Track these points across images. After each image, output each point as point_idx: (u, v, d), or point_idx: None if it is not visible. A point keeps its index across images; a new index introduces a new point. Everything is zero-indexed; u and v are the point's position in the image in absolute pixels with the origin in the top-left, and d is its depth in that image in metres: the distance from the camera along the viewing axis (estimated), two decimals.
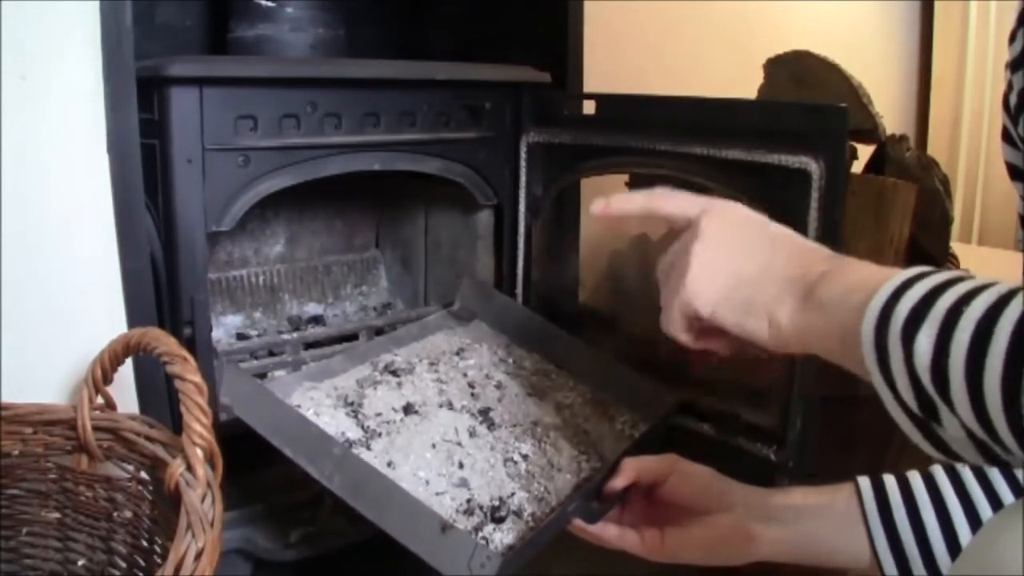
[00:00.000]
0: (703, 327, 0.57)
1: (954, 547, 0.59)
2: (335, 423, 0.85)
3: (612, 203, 0.66)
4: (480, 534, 0.72)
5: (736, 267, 0.54)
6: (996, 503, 0.59)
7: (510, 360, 1.03)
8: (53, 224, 0.76)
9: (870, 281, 0.44)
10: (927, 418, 0.40)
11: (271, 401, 0.80)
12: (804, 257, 0.53)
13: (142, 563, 0.71)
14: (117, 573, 0.72)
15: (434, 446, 0.83)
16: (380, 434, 0.84)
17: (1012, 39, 0.50)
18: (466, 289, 1.13)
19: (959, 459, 0.42)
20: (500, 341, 1.07)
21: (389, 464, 0.80)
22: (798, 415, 0.90)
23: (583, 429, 0.91)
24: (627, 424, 0.94)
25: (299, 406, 0.86)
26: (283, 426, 0.77)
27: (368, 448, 0.82)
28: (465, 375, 0.98)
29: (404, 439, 0.83)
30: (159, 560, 0.69)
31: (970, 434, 0.38)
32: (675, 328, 0.57)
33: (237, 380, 0.83)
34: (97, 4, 0.74)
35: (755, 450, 0.95)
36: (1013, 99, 0.49)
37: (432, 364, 0.99)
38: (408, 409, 0.88)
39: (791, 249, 0.54)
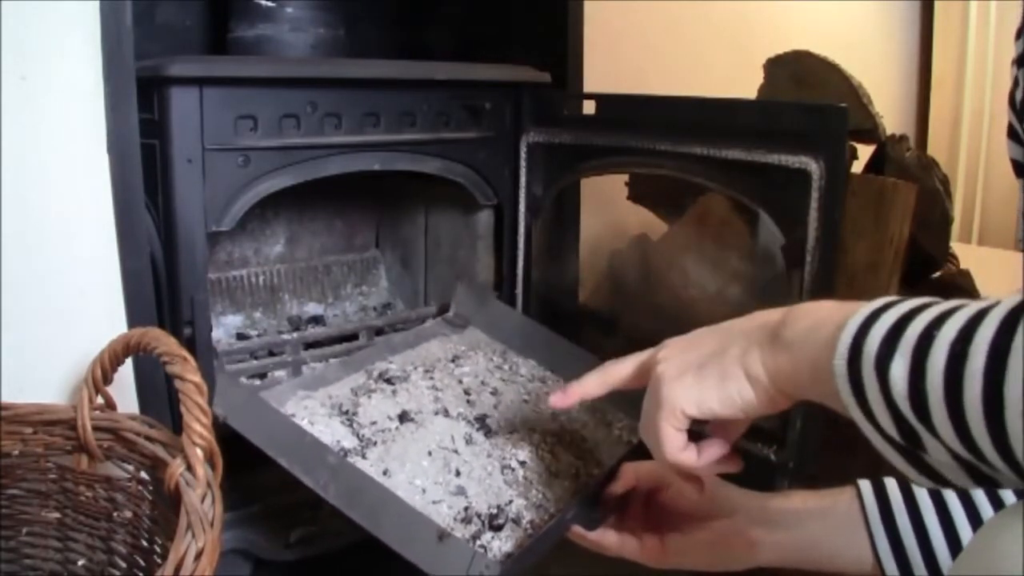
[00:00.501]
0: (700, 444, 0.57)
1: (956, 549, 0.59)
2: (330, 432, 0.84)
3: (568, 393, 0.66)
4: (478, 542, 0.72)
5: (697, 357, 0.54)
6: (998, 504, 0.59)
7: (506, 367, 1.03)
8: (53, 224, 0.76)
9: (835, 315, 0.44)
10: (911, 446, 0.40)
11: (265, 411, 0.79)
12: (758, 315, 0.53)
13: (142, 563, 0.71)
14: (117, 573, 0.72)
15: (430, 454, 0.82)
16: (375, 442, 0.83)
17: (1018, 35, 0.49)
18: (461, 295, 1.13)
19: (949, 485, 0.41)
20: (496, 348, 1.07)
21: (385, 473, 0.79)
22: (798, 416, 0.90)
23: (580, 435, 0.90)
24: (625, 430, 0.93)
25: (293, 415, 0.85)
26: (277, 436, 0.76)
27: (364, 457, 0.81)
28: (461, 382, 0.97)
29: (400, 447, 0.82)
30: (159, 560, 0.69)
31: (956, 457, 0.38)
32: (675, 451, 0.56)
33: (231, 390, 0.82)
34: (97, 4, 0.74)
35: (755, 450, 0.95)
36: (1019, 96, 0.49)
37: (427, 371, 0.98)
38: (403, 417, 0.88)
39: (743, 318, 0.54)
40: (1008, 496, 0.59)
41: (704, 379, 0.53)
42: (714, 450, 0.58)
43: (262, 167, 0.91)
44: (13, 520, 0.73)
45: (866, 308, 0.42)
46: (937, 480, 0.41)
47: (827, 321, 0.44)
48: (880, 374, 0.39)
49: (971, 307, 0.37)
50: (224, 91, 0.87)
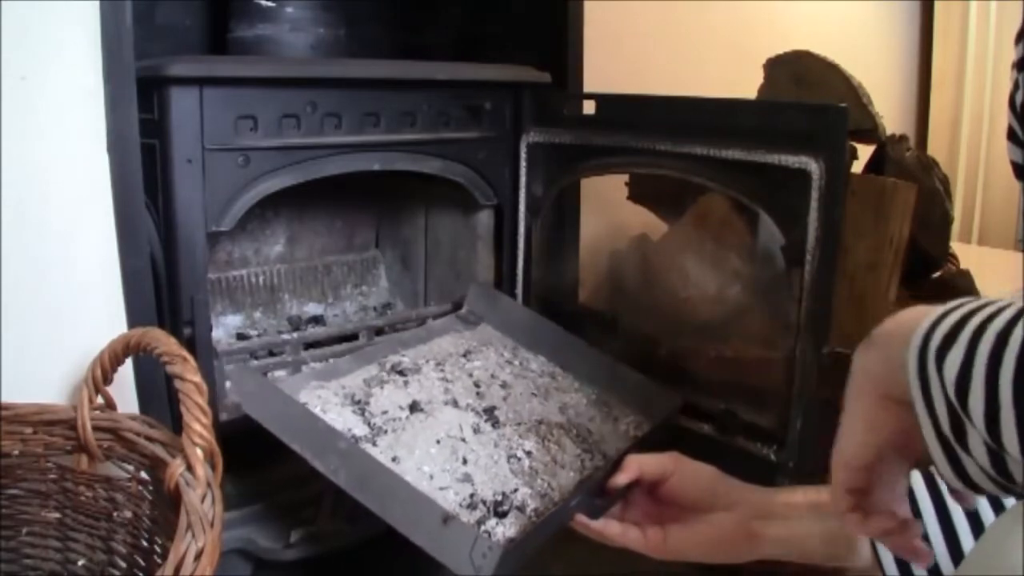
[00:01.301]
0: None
1: (954, 547, 0.59)
2: (342, 420, 0.85)
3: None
4: (483, 527, 0.73)
5: None
6: (996, 503, 0.59)
7: (516, 362, 1.04)
8: (53, 224, 0.76)
9: (917, 316, 0.46)
10: (958, 443, 0.41)
11: (279, 397, 0.80)
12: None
13: (142, 563, 0.71)
14: (117, 573, 0.72)
15: (439, 442, 0.83)
16: (386, 431, 0.85)
17: (1018, 39, 0.50)
18: (473, 293, 1.13)
19: (980, 491, 0.42)
20: (506, 344, 1.08)
21: (394, 459, 0.80)
22: (798, 415, 0.90)
23: (587, 429, 0.91)
24: (631, 425, 0.94)
25: (306, 404, 0.86)
26: (290, 422, 0.78)
27: (374, 444, 0.83)
28: (471, 375, 0.98)
29: (409, 435, 0.83)
30: (159, 560, 0.69)
31: (989, 451, 0.39)
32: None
33: (245, 377, 0.83)
34: (97, 4, 0.74)
35: (755, 450, 0.95)
36: (1020, 98, 0.49)
37: (438, 365, 0.99)
38: (414, 407, 0.89)
39: None
40: (1008, 499, 0.59)
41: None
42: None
43: (262, 167, 0.91)
44: (13, 520, 0.73)
45: (942, 308, 0.44)
46: (973, 488, 0.42)
47: (909, 321, 0.46)
48: (939, 364, 0.41)
49: None
50: (224, 91, 0.87)
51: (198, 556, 0.53)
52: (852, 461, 0.52)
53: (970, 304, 0.42)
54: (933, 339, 0.42)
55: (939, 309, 0.44)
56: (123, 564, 0.72)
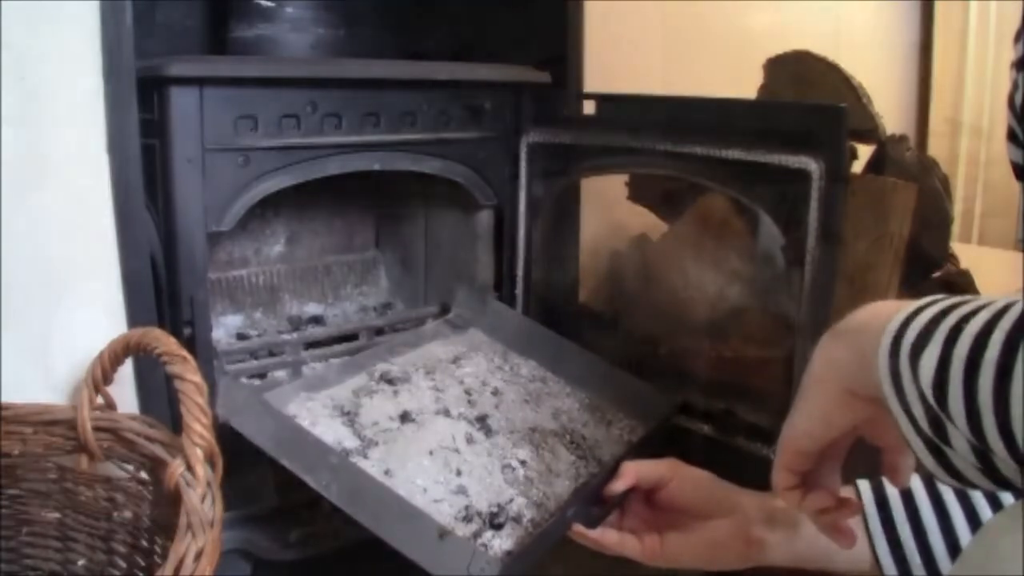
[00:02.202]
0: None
1: (954, 548, 0.59)
2: (332, 433, 0.84)
3: None
4: (479, 540, 0.72)
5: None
6: (995, 504, 0.59)
7: (507, 367, 1.03)
8: (53, 224, 0.76)
9: (888, 310, 0.45)
10: (939, 439, 0.41)
11: (267, 412, 0.79)
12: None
13: (142, 563, 0.71)
14: (117, 573, 0.72)
15: (431, 453, 0.82)
16: (377, 443, 0.83)
17: (1017, 38, 0.50)
18: (462, 297, 1.13)
19: (972, 485, 0.42)
20: (496, 349, 1.07)
21: (386, 472, 0.79)
22: None
23: (581, 434, 0.90)
24: (625, 429, 0.94)
25: (296, 416, 0.85)
26: (279, 437, 0.77)
27: (365, 457, 0.81)
28: (462, 383, 0.97)
29: (401, 447, 0.82)
30: (159, 560, 0.69)
31: (973, 449, 0.39)
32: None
33: (233, 391, 0.82)
34: (97, 4, 0.74)
35: (755, 450, 0.95)
36: (1019, 98, 0.49)
37: (428, 372, 0.98)
38: (405, 417, 0.88)
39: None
40: (1006, 497, 0.59)
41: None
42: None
43: (262, 167, 0.91)
44: (13, 520, 0.73)
45: (912, 304, 0.44)
46: (961, 480, 0.42)
47: (881, 314, 0.46)
48: (913, 365, 0.40)
49: (1000, 301, 0.39)
50: (224, 91, 0.87)
51: (198, 556, 0.53)
52: (801, 448, 0.53)
53: (944, 301, 0.42)
54: (906, 336, 0.41)
55: (912, 304, 0.43)
56: (123, 564, 0.72)
